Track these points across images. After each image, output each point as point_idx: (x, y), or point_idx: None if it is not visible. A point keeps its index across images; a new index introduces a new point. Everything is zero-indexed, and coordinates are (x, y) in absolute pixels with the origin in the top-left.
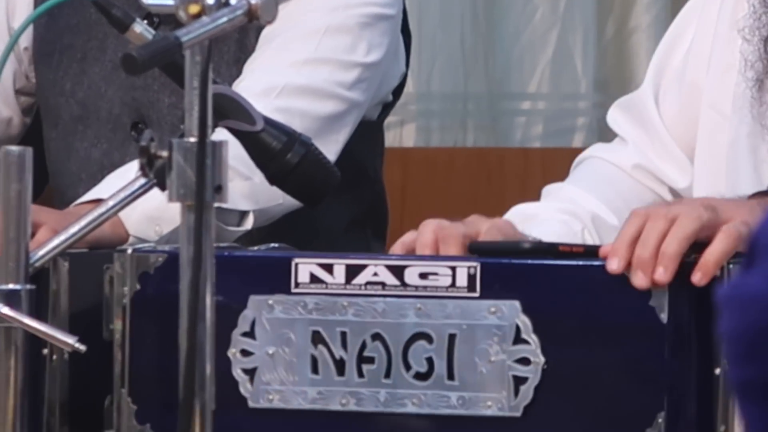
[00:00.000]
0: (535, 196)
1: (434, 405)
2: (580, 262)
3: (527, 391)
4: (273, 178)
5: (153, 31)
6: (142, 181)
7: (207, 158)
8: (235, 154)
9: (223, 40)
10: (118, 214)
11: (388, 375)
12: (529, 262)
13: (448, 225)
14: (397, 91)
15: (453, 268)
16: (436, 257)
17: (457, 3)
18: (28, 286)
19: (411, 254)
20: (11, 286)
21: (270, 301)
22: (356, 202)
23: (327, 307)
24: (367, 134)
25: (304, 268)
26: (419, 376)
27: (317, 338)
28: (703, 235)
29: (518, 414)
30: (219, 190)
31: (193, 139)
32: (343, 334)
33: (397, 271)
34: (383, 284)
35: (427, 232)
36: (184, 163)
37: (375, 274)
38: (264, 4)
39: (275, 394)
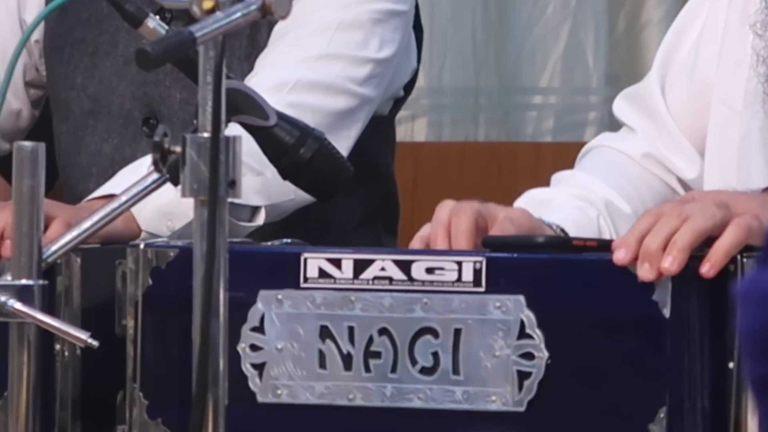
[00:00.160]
0: None
1: (439, 400)
2: (585, 257)
3: (531, 386)
4: (286, 173)
5: (166, 27)
6: (155, 176)
7: (220, 153)
8: (247, 149)
9: (235, 35)
10: (131, 210)
11: (394, 370)
12: (534, 256)
13: (463, 202)
14: (409, 87)
15: (459, 263)
16: (442, 252)
17: None
18: (41, 282)
19: (429, 249)
20: (24, 281)
21: (279, 296)
22: (368, 197)
23: (335, 302)
24: (379, 129)
25: (313, 263)
26: (425, 371)
27: (325, 333)
28: (717, 233)
29: (522, 409)
30: (232, 185)
31: (206, 135)
32: (351, 329)
33: (404, 266)
34: (390, 279)
35: (444, 213)
36: (198, 158)
37: (382, 269)
38: (278, 0)
39: (284, 389)
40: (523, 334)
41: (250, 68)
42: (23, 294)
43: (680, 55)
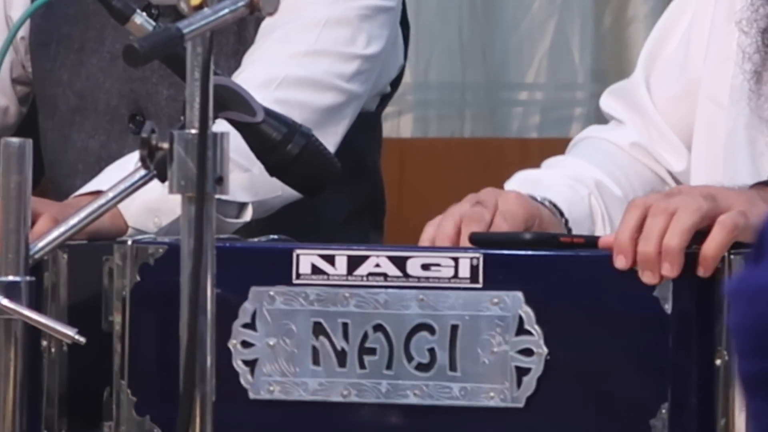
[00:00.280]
0: None
1: (436, 396)
2: (584, 253)
3: (530, 382)
4: (273, 170)
5: (153, 23)
6: (142, 172)
7: (208, 150)
8: (235, 145)
9: (223, 32)
10: (118, 206)
11: (389, 366)
12: (532, 253)
13: (469, 213)
14: (396, 83)
15: (455, 259)
16: (438, 248)
17: None
18: (28, 278)
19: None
20: (11, 277)
21: (271, 293)
22: (355, 194)
23: (328, 299)
24: (366, 125)
25: (306, 259)
26: (421, 367)
27: (318, 329)
28: (704, 225)
29: (521, 405)
30: (220, 181)
31: (194, 131)
32: (345, 326)
33: (399, 262)
34: (385, 275)
35: (450, 224)
36: (185, 154)
37: (377, 265)
38: None
39: (276, 386)
40: (521, 330)
41: (237, 65)
42: (10, 290)
43: (666, 51)
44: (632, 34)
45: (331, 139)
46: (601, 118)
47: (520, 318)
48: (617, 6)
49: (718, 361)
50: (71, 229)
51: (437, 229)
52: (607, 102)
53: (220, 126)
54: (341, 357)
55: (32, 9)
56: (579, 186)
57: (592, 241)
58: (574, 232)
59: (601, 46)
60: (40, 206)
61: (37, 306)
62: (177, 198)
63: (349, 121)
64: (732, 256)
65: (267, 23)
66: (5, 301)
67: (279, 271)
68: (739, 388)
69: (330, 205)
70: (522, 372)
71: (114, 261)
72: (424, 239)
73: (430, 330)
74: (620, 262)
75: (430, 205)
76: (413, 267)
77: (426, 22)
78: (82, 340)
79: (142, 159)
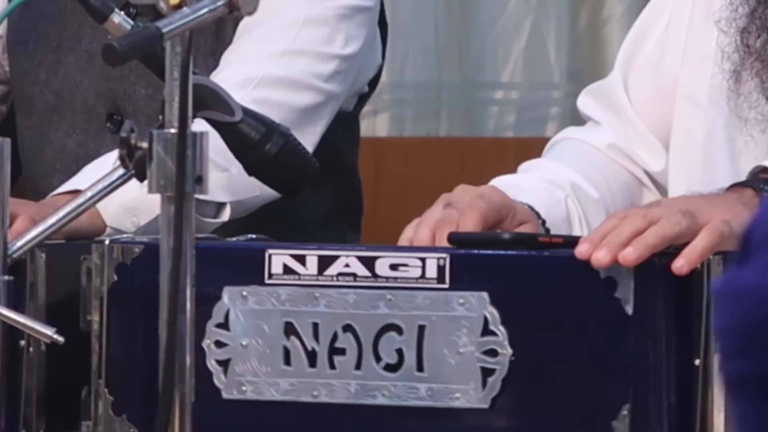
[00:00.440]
0: None
1: (404, 397)
2: (547, 253)
3: (495, 383)
4: (252, 169)
5: (131, 22)
6: (121, 172)
7: (187, 149)
8: (213, 145)
9: (201, 31)
10: (96, 205)
11: (358, 366)
12: (498, 253)
13: (440, 217)
14: (374, 83)
15: (423, 260)
16: (406, 248)
17: None
18: (6, 277)
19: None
20: None
21: (244, 293)
22: (333, 193)
23: (299, 299)
24: (344, 125)
25: (278, 259)
26: (389, 368)
27: (290, 329)
28: (681, 241)
29: (486, 405)
30: (199, 181)
31: (173, 130)
32: (315, 326)
33: (368, 263)
34: (354, 275)
35: (425, 229)
36: (165, 154)
37: (347, 265)
38: None
39: (249, 386)
40: (486, 330)
41: (216, 64)
42: None
43: (644, 51)
44: (608, 34)
45: (309, 138)
46: (577, 118)
47: (485, 318)
48: (593, 6)
49: (697, 362)
50: (49, 228)
51: (414, 236)
52: (585, 102)
53: (199, 125)
54: (312, 357)
55: (10, 8)
56: (555, 189)
57: (571, 241)
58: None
59: (577, 45)
60: (17, 207)
61: (15, 305)
62: (155, 197)
63: (327, 120)
64: (711, 257)
65: (245, 23)
66: None
67: (252, 270)
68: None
69: (308, 204)
70: (487, 373)
71: (92, 260)
72: (403, 241)
73: (398, 330)
74: (582, 247)
75: (406, 204)
76: (382, 267)
77: (402, 21)
78: (61, 339)
79: (121, 158)
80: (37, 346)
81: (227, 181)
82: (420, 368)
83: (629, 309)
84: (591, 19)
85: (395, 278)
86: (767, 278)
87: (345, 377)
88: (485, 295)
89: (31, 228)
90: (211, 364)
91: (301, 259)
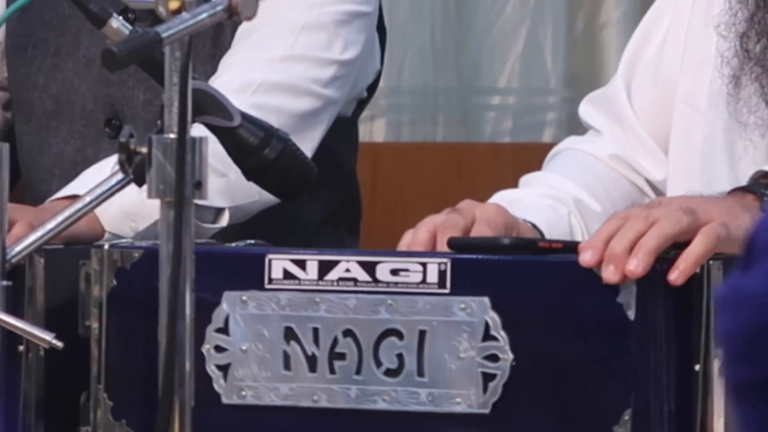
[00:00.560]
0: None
1: (404, 402)
2: (550, 259)
3: (496, 388)
4: (250, 174)
5: (130, 27)
6: (119, 176)
7: (187, 154)
8: (211, 150)
9: (199, 36)
10: (94, 211)
11: (359, 371)
12: (499, 258)
13: (443, 220)
14: (372, 88)
15: (424, 264)
16: (407, 253)
17: None
18: (4, 283)
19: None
20: None
21: (244, 297)
22: (331, 198)
23: (299, 303)
24: (342, 131)
25: (278, 264)
26: (390, 373)
27: (290, 334)
28: (683, 239)
29: (487, 411)
30: (199, 186)
31: (172, 135)
32: (315, 330)
33: (369, 267)
34: (355, 280)
35: (423, 231)
36: (164, 159)
37: (347, 270)
38: (244, 1)
39: (248, 390)
40: (487, 335)
41: (214, 69)
42: None
43: (646, 57)
44: (605, 39)
45: (307, 144)
46: (574, 123)
47: (486, 323)
48: (589, 11)
49: (697, 367)
50: (48, 233)
51: (413, 237)
52: (586, 110)
53: (198, 130)
54: (312, 362)
55: (8, 13)
56: (558, 205)
57: (571, 247)
58: None
59: (574, 50)
60: (16, 212)
61: (13, 310)
62: (153, 203)
63: (326, 126)
64: (711, 262)
65: (244, 28)
66: None
67: (251, 275)
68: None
69: (306, 209)
70: (488, 378)
71: (91, 266)
72: (402, 246)
73: (399, 335)
74: (586, 256)
75: (403, 209)
76: (382, 272)
77: (398, 26)
78: (60, 344)
79: (121, 163)
80: (35, 351)
81: (226, 186)
82: (421, 373)
83: (631, 314)
84: (588, 24)
85: (396, 283)
86: None
87: (345, 382)
88: (486, 300)
89: (29, 233)
90: (211, 369)
91: (301, 264)
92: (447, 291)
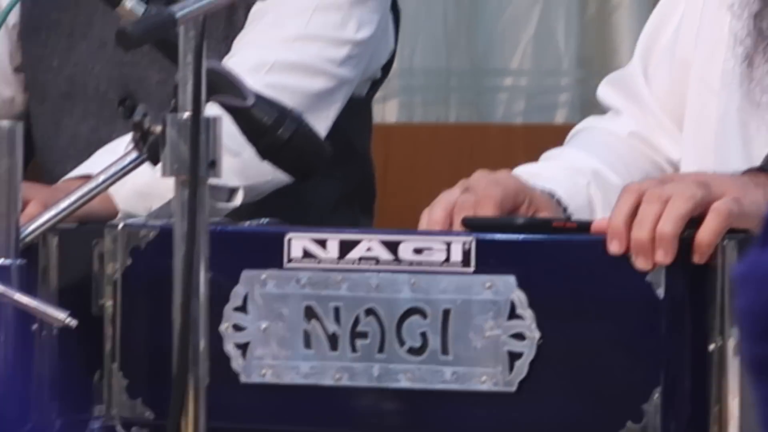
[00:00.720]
0: None
1: (428, 380)
2: (576, 238)
3: (522, 367)
4: (264, 154)
5: (144, 7)
6: (133, 156)
7: (201, 133)
8: (225, 130)
9: (213, 16)
10: (108, 190)
11: (381, 350)
12: (525, 237)
13: (458, 199)
14: (386, 68)
15: (448, 243)
16: (430, 232)
17: None
18: (18, 261)
19: None
20: (1, 261)
21: (263, 276)
22: (345, 179)
23: (320, 282)
24: (356, 111)
25: (298, 243)
26: (413, 351)
27: (310, 313)
28: (697, 213)
29: (513, 389)
30: (213, 165)
31: (187, 114)
32: (337, 309)
33: (391, 246)
34: (377, 259)
35: (439, 210)
36: (178, 138)
37: (369, 249)
38: None
39: (268, 369)
40: (513, 314)
41: (228, 49)
42: (0, 274)
43: (663, 39)
44: (617, 21)
45: (321, 123)
46: (586, 105)
47: (512, 302)
48: None
49: (711, 346)
50: (62, 212)
51: (429, 216)
52: (605, 91)
53: (212, 110)
54: (333, 341)
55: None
56: (577, 176)
57: (584, 226)
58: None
59: (586, 32)
60: (29, 192)
61: (27, 289)
62: (167, 181)
63: (340, 106)
64: (725, 242)
65: (257, 8)
66: None
67: (271, 254)
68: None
69: (320, 189)
70: (514, 356)
71: (104, 244)
72: (422, 225)
73: (422, 314)
74: (614, 247)
75: (416, 191)
76: (405, 251)
77: (411, 8)
78: (74, 323)
79: (135, 142)
80: (49, 330)
81: (239, 165)
82: (445, 351)
83: (661, 293)
84: (600, 6)
85: (419, 262)
86: None
87: (367, 360)
88: (512, 278)
89: (43, 212)
90: (229, 348)
91: (321, 243)
92: (471, 270)
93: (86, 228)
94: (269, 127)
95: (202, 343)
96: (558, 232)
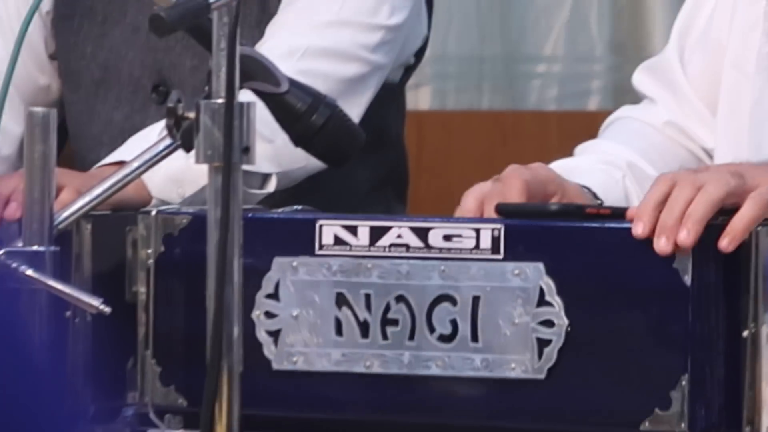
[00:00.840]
0: (551, 159)
1: (458, 367)
2: (605, 225)
3: (551, 354)
4: (298, 140)
5: None
6: (166, 142)
7: (235, 119)
8: (258, 116)
9: (246, 2)
10: (141, 177)
11: (412, 337)
12: (553, 224)
13: (490, 189)
14: (419, 54)
15: (477, 230)
16: (460, 219)
17: None
18: (52, 248)
19: None
20: (35, 247)
21: (294, 263)
22: (378, 165)
23: (351, 269)
24: (390, 97)
25: (329, 230)
26: (443, 338)
27: (341, 300)
28: (730, 202)
29: (542, 376)
30: (246, 151)
31: (220, 101)
32: (367, 296)
33: (422, 233)
34: (407, 246)
35: (470, 200)
36: (212, 124)
37: (399, 236)
38: None
39: (299, 356)
40: (542, 301)
41: (261, 35)
42: (34, 260)
43: (698, 24)
44: (650, 6)
45: (354, 110)
46: (619, 91)
47: (541, 289)
48: None
49: (744, 333)
50: (95, 199)
51: (460, 205)
52: (640, 79)
53: (246, 96)
54: (364, 328)
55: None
56: (613, 169)
57: (619, 213)
58: None
59: (619, 18)
60: (63, 178)
61: (61, 276)
62: (200, 168)
63: (373, 92)
64: (759, 228)
65: None
66: (30, 271)
67: (302, 241)
68: None
69: (353, 176)
70: (543, 343)
71: (138, 231)
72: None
73: (452, 301)
74: (638, 229)
75: (448, 178)
76: (435, 238)
77: None
78: (108, 310)
79: (168, 128)
80: (83, 316)
81: (273, 152)
82: (475, 339)
83: (688, 280)
84: None
85: (449, 249)
86: None
87: (398, 348)
88: (541, 265)
89: (77, 199)
90: (261, 335)
91: (352, 230)
92: (500, 257)
93: (120, 215)
94: (303, 113)
95: (236, 330)
96: (591, 219)
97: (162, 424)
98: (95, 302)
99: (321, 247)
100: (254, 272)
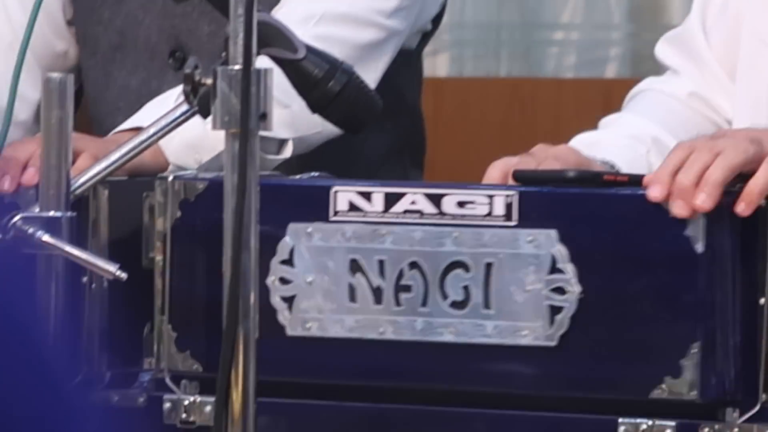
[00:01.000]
0: (568, 126)
1: (470, 334)
2: (618, 192)
3: (563, 321)
4: (315, 106)
5: None
6: (183, 108)
7: (252, 86)
8: (275, 82)
9: None
10: (158, 142)
11: (425, 303)
12: (566, 191)
13: (515, 161)
14: (437, 20)
15: (490, 197)
16: (474, 186)
17: None
18: (69, 214)
19: None
20: (52, 213)
21: (309, 229)
22: (395, 131)
23: (365, 235)
24: (406, 63)
25: (343, 196)
26: (456, 305)
27: (355, 266)
28: (748, 169)
29: (554, 343)
30: (263, 117)
31: (238, 67)
32: (381, 263)
33: (435, 200)
34: (421, 212)
35: (496, 171)
36: (229, 90)
37: (413, 203)
38: None
39: (313, 323)
40: (554, 268)
41: (278, 1)
42: (51, 226)
43: None
44: None
45: (371, 75)
46: (637, 59)
47: (553, 256)
48: None
49: (762, 301)
50: (112, 164)
51: (485, 174)
52: (663, 50)
53: (263, 62)
54: (377, 294)
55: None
56: (637, 144)
57: (636, 180)
58: None
59: None
60: (80, 143)
61: (77, 242)
62: (217, 134)
63: (389, 58)
64: None
65: None
66: (46, 237)
67: (317, 207)
68: None
69: (370, 142)
70: (555, 310)
71: (155, 197)
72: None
73: (465, 268)
74: (655, 192)
75: (465, 145)
76: (449, 204)
77: None
78: (124, 275)
79: (185, 95)
80: (99, 282)
81: (289, 117)
82: (487, 305)
83: (699, 247)
84: None
85: (462, 215)
86: None
87: (411, 314)
88: (553, 232)
89: (93, 164)
90: (276, 301)
91: (366, 196)
92: (514, 224)
93: (136, 181)
94: (320, 79)
95: (252, 297)
96: (609, 185)
97: (178, 390)
98: (112, 268)
99: (335, 213)
100: (269, 238)
